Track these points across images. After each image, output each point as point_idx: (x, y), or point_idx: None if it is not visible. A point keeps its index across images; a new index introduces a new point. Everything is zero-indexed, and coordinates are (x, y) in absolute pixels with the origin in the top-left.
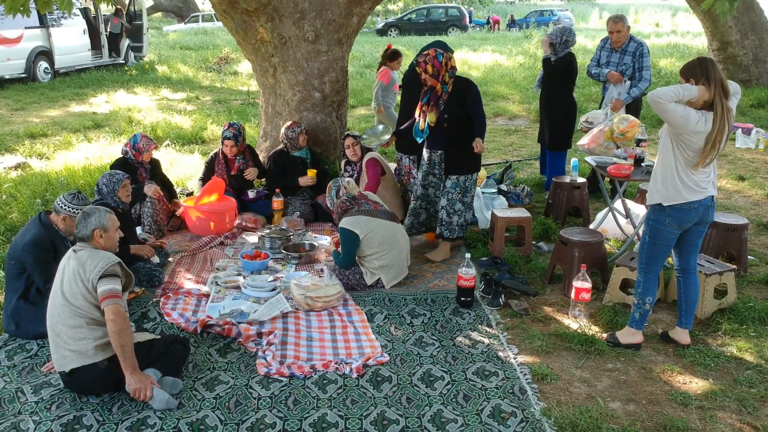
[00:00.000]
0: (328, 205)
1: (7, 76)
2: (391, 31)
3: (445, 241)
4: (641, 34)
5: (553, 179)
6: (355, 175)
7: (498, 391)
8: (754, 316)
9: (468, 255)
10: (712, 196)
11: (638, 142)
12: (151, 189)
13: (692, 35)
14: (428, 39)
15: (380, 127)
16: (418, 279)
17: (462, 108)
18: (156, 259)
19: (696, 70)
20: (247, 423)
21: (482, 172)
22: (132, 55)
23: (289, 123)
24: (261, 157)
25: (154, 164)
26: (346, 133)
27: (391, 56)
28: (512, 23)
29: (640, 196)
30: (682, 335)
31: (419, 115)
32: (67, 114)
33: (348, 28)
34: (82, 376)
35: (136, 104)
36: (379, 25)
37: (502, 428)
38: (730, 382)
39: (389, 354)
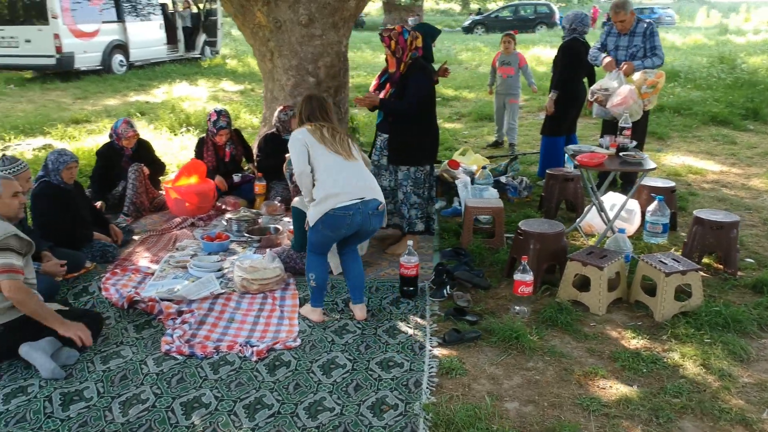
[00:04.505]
0: (288, 182)
1: (83, 68)
2: (477, 29)
3: (409, 235)
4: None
5: (547, 171)
6: None
7: (392, 383)
8: (717, 322)
9: (410, 243)
10: (377, 206)
11: (621, 129)
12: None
13: None
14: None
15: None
16: (372, 267)
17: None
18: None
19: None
20: (122, 397)
21: (480, 163)
22: (208, 49)
23: (282, 106)
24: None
25: (142, 146)
26: None
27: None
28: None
29: (637, 191)
30: (357, 311)
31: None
32: (121, 103)
33: (345, 12)
34: None
35: (190, 94)
36: (466, 23)
37: (375, 420)
38: (656, 390)
39: (303, 339)
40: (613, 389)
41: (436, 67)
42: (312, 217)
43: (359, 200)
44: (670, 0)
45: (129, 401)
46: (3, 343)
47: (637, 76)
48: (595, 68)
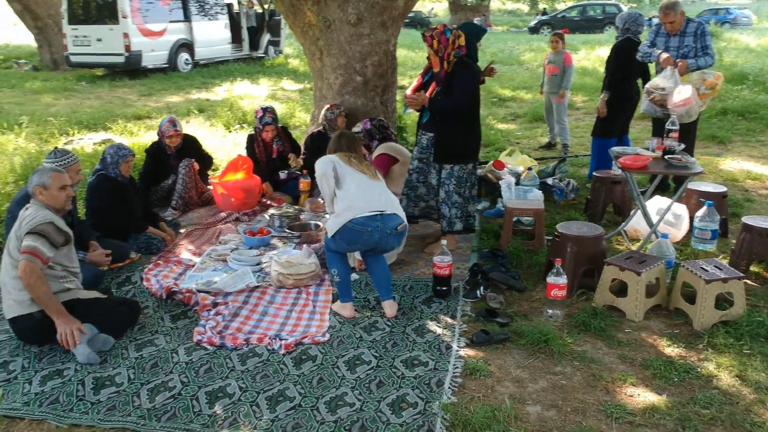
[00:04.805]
0: None
1: (149, 66)
2: (543, 29)
3: (448, 235)
4: None
5: (594, 173)
6: None
7: (414, 381)
8: (759, 332)
9: (444, 242)
10: (397, 226)
11: (668, 132)
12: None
13: None
14: (581, 37)
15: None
16: (408, 265)
17: (451, 91)
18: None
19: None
20: (151, 384)
21: (527, 164)
22: (272, 49)
23: (329, 105)
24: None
25: (189, 142)
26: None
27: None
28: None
29: (686, 196)
30: (386, 308)
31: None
32: (183, 100)
33: (393, 11)
34: (20, 324)
35: (250, 93)
36: (532, 23)
37: (393, 417)
38: (686, 399)
39: (332, 335)
40: (641, 397)
41: (481, 66)
42: (331, 228)
43: (379, 213)
44: (748, 0)
45: (157, 388)
46: (43, 329)
47: (694, 76)
48: (649, 66)
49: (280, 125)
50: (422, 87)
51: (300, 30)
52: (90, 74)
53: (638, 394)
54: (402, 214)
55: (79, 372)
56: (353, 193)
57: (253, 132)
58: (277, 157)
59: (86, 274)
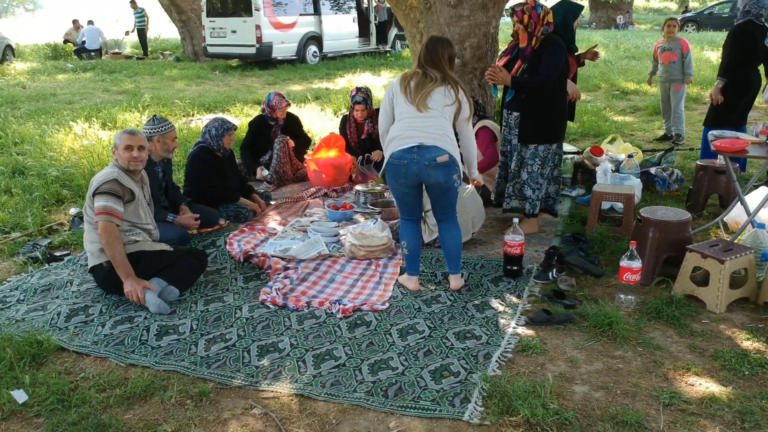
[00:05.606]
0: None
1: (279, 57)
2: (687, 26)
3: (531, 218)
4: None
5: (697, 162)
6: None
7: (462, 353)
8: None
9: (516, 220)
10: (436, 157)
11: None
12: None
13: None
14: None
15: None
16: (483, 245)
17: (537, 69)
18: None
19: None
20: (209, 336)
21: (629, 152)
22: (398, 43)
23: None
24: None
25: (291, 120)
26: None
27: None
28: None
29: None
30: (452, 281)
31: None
32: (304, 89)
33: None
34: (95, 274)
35: (367, 83)
36: None
37: (432, 384)
38: (752, 394)
39: (391, 304)
40: (702, 387)
41: (580, 47)
42: (383, 171)
43: (416, 146)
44: None
45: (214, 339)
46: (112, 279)
47: None
48: None
49: (374, 108)
50: (507, 65)
51: (402, 13)
52: (224, 64)
53: (699, 384)
54: (446, 146)
55: (147, 320)
56: (395, 127)
57: (348, 113)
58: (366, 138)
59: (174, 236)
